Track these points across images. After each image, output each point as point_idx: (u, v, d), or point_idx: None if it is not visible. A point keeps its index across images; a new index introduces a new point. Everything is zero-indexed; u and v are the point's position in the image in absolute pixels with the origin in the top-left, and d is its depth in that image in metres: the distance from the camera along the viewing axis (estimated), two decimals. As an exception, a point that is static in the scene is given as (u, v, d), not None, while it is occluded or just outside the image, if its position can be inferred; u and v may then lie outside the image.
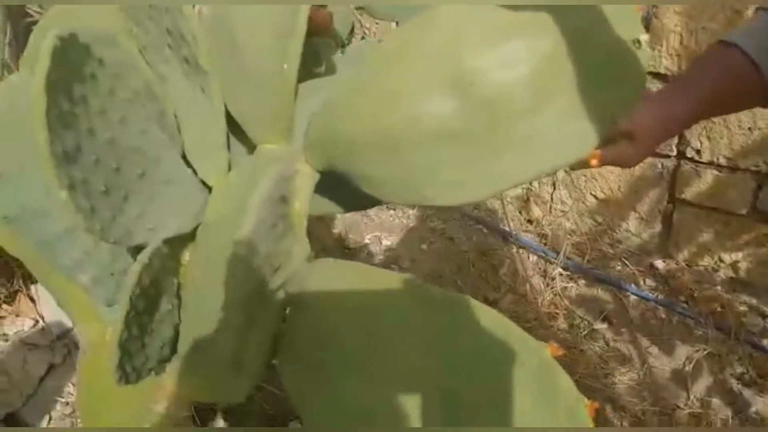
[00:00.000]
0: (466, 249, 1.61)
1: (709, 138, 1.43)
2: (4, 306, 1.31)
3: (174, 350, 0.62)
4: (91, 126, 0.43)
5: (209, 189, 0.60)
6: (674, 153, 1.50)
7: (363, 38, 1.93)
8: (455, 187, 0.44)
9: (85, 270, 0.62)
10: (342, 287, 0.43)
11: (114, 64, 0.47)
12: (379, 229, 1.69)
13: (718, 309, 1.47)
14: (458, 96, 0.43)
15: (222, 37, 0.54)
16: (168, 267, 0.58)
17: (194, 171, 0.58)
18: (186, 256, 0.63)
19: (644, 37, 0.44)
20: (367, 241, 1.64)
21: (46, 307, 1.30)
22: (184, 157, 0.59)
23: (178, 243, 0.61)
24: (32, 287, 1.33)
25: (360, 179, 0.47)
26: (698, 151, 1.46)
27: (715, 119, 1.40)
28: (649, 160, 1.59)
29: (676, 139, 1.49)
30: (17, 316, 1.30)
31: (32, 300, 1.32)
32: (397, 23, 2.13)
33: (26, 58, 0.64)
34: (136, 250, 0.56)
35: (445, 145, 0.44)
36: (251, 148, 0.59)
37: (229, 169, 0.59)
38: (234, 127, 0.57)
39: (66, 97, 0.39)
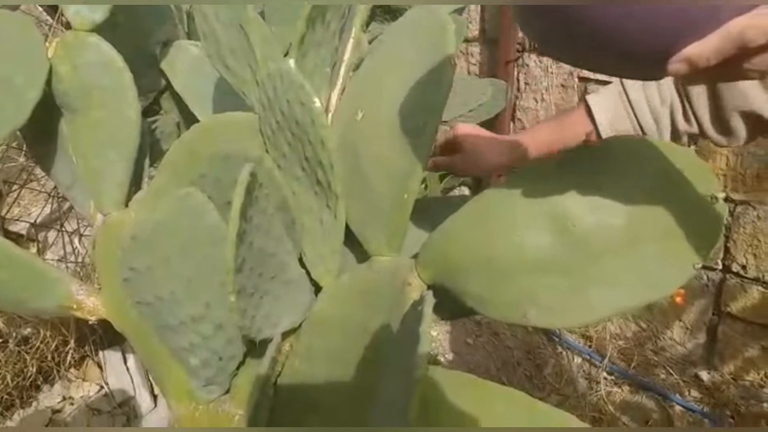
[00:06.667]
0: (511, 345, 1.65)
1: (755, 255, 1.48)
2: (73, 370, 1.39)
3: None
4: (252, 239, 0.51)
5: (317, 288, 0.68)
6: (720, 267, 1.55)
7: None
8: (553, 313, 0.51)
9: (198, 353, 0.69)
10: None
11: (265, 185, 0.56)
12: (426, 319, 1.74)
13: (765, 425, 1.46)
14: (559, 232, 0.51)
15: (347, 158, 0.63)
16: (276, 358, 0.65)
17: (307, 272, 0.67)
18: (285, 346, 0.71)
19: (720, 194, 0.51)
20: (413, 330, 1.70)
21: (111, 374, 1.37)
22: (299, 258, 0.67)
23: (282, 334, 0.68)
24: (100, 354, 1.40)
25: (466, 296, 0.55)
26: (744, 267, 1.51)
27: (761, 238, 1.46)
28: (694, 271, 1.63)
29: (721, 254, 1.54)
30: (84, 380, 1.37)
31: (99, 366, 1.40)
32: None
33: (165, 165, 0.74)
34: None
35: (546, 274, 0.51)
36: (358, 253, 0.67)
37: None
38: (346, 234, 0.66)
39: (243, 219, 0.48)
